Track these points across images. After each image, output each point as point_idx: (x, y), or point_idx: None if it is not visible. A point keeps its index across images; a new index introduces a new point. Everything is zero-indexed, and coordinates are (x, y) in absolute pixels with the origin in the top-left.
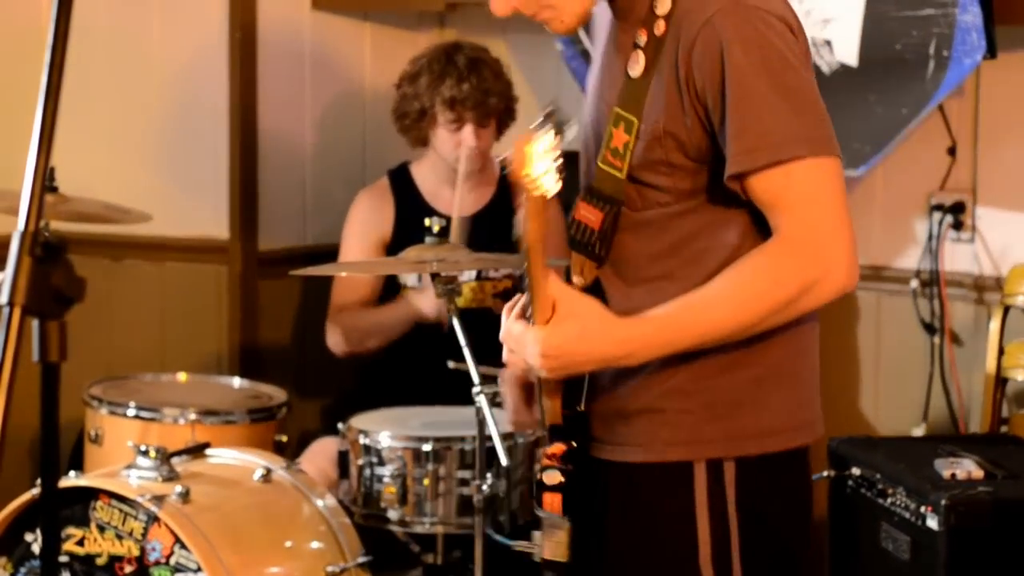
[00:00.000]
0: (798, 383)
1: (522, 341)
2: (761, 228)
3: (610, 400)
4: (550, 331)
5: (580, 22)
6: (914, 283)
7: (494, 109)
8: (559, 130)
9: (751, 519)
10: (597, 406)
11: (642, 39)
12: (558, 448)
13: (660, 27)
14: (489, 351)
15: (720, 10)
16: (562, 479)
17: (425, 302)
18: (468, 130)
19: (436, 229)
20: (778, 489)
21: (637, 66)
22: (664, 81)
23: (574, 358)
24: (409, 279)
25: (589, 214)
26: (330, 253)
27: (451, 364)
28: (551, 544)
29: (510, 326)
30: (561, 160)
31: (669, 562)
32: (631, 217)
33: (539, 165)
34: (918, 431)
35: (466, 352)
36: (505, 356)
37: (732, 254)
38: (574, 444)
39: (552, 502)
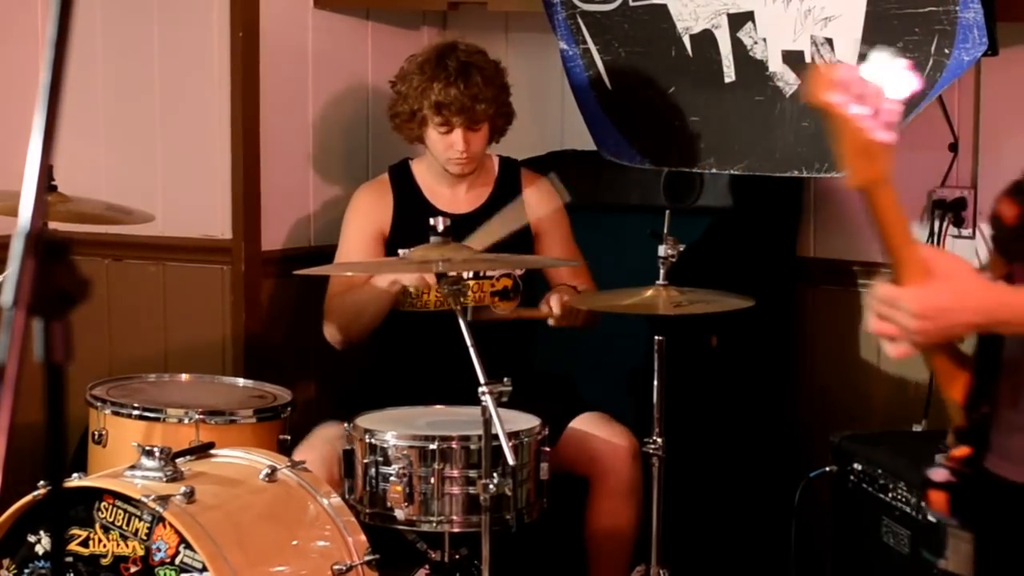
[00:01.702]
0: None
1: (896, 303)
2: None
3: (1007, 410)
4: (927, 290)
5: None
6: None
7: (483, 115)
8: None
9: None
10: (996, 413)
11: None
12: (962, 451)
13: None
14: (489, 348)
15: None
16: (951, 478)
17: (403, 272)
18: (457, 134)
19: (440, 228)
20: None
21: None
22: None
23: (949, 318)
24: (406, 278)
25: (1007, 210)
26: (333, 253)
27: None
28: (955, 557)
29: (880, 290)
30: (895, 108)
31: None
32: None
33: (850, 101)
34: (919, 428)
35: (472, 352)
36: (873, 325)
37: None
38: (979, 451)
39: (937, 500)
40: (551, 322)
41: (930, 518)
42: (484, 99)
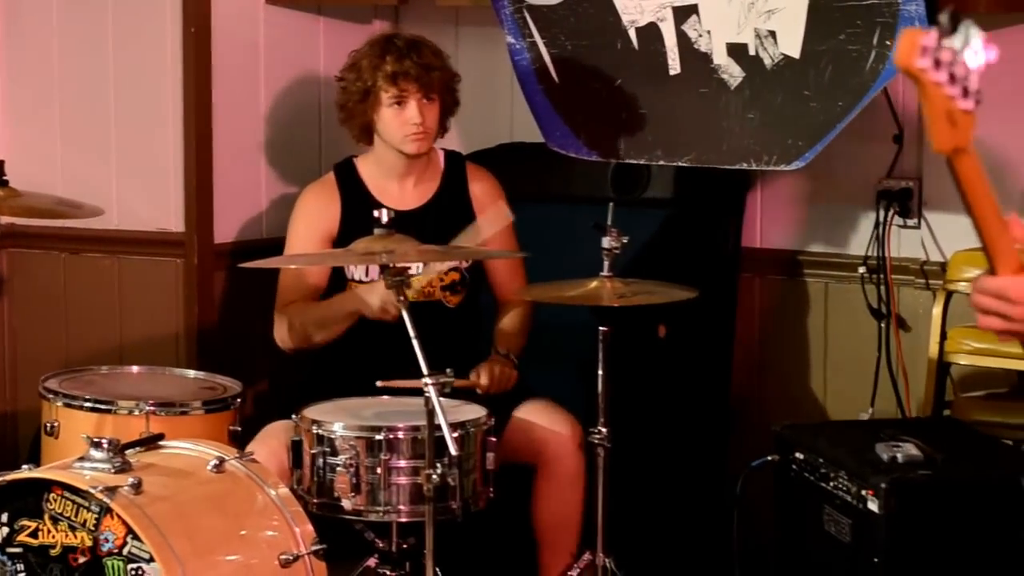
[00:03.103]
0: None
1: (1001, 293)
2: None
3: None
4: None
5: None
6: (862, 269)
7: (437, 82)
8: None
9: None
10: None
11: None
12: None
13: None
14: (437, 342)
15: None
16: None
17: (372, 296)
18: (412, 107)
19: (384, 220)
20: None
21: None
22: None
23: None
24: (356, 273)
25: None
26: (285, 245)
27: (379, 383)
28: None
29: (982, 282)
30: (976, 76)
31: None
32: None
33: (936, 68)
34: (865, 416)
35: (415, 344)
36: (979, 321)
37: None
38: None
39: None
40: (480, 391)
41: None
42: (436, 67)
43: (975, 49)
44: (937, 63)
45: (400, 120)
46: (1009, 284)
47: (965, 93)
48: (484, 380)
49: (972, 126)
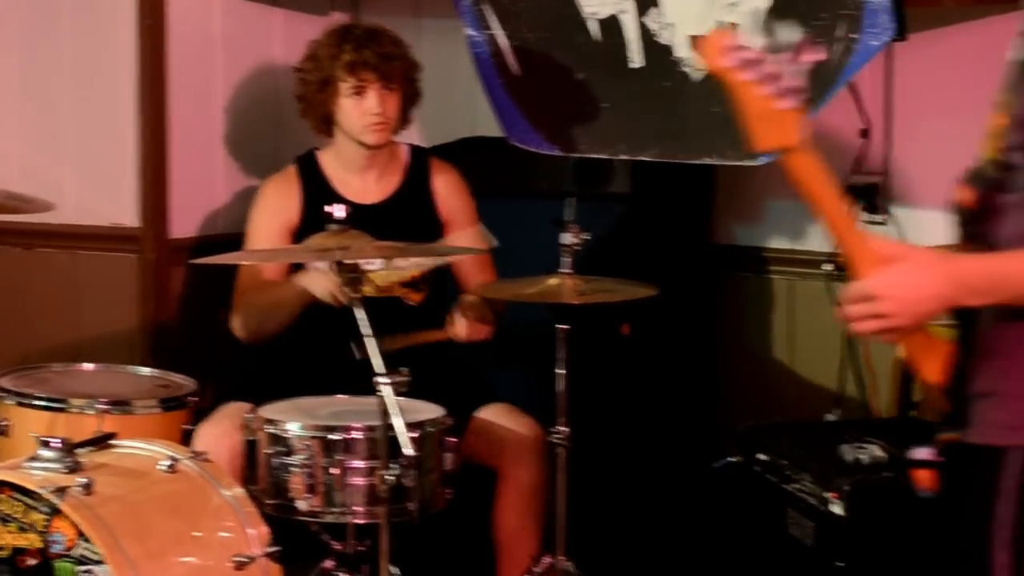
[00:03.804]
0: None
1: (859, 294)
2: None
3: (969, 383)
4: (887, 272)
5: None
6: (827, 266)
7: (397, 71)
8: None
9: None
10: (964, 388)
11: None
12: (950, 437)
13: None
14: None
15: None
16: (936, 456)
17: (315, 283)
18: (372, 95)
19: (340, 215)
20: None
21: (1015, 50)
22: None
23: (909, 293)
24: (316, 288)
25: (966, 195)
26: (242, 241)
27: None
28: None
29: (846, 290)
30: (796, 77)
31: (966, 538)
32: (999, 199)
33: (743, 67)
34: (831, 416)
35: (368, 342)
36: (856, 328)
37: None
38: (959, 436)
39: (923, 478)
40: (457, 336)
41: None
42: (395, 57)
43: (794, 49)
44: (749, 63)
45: (360, 110)
46: (869, 283)
47: (784, 92)
48: (461, 329)
49: (800, 126)
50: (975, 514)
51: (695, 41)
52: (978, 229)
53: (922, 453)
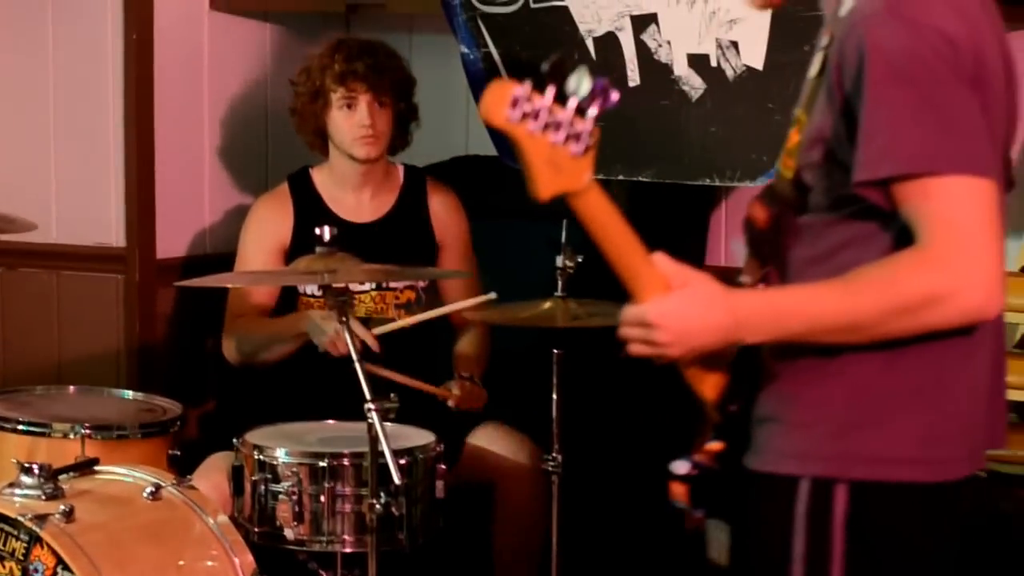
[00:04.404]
0: (931, 413)
1: (641, 319)
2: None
3: (752, 405)
4: (661, 299)
5: (767, 4)
6: None
7: (389, 85)
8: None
9: (860, 547)
10: (746, 410)
11: (825, 39)
12: (715, 446)
13: (838, 28)
14: (390, 363)
15: (872, 15)
16: (692, 471)
17: (316, 331)
18: (362, 109)
19: (327, 238)
20: (896, 523)
21: (815, 67)
22: (825, 84)
23: (686, 324)
24: (308, 287)
25: (759, 213)
26: (231, 261)
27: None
28: (714, 546)
29: (624, 313)
30: (588, 121)
31: (761, 572)
32: (793, 220)
33: (525, 117)
34: None
35: (357, 367)
36: (629, 350)
37: None
38: (729, 446)
39: (678, 491)
40: (451, 403)
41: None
42: (388, 69)
43: (585, 94)
44: (529, 115)
45: (350, 123)
46: (647, 309)
47: (570, 138)
48: (456, 391)
49: (587, 169)
50: (769, 545)
51: (707, 74)
52: (769, 249)
53: (681, 467)
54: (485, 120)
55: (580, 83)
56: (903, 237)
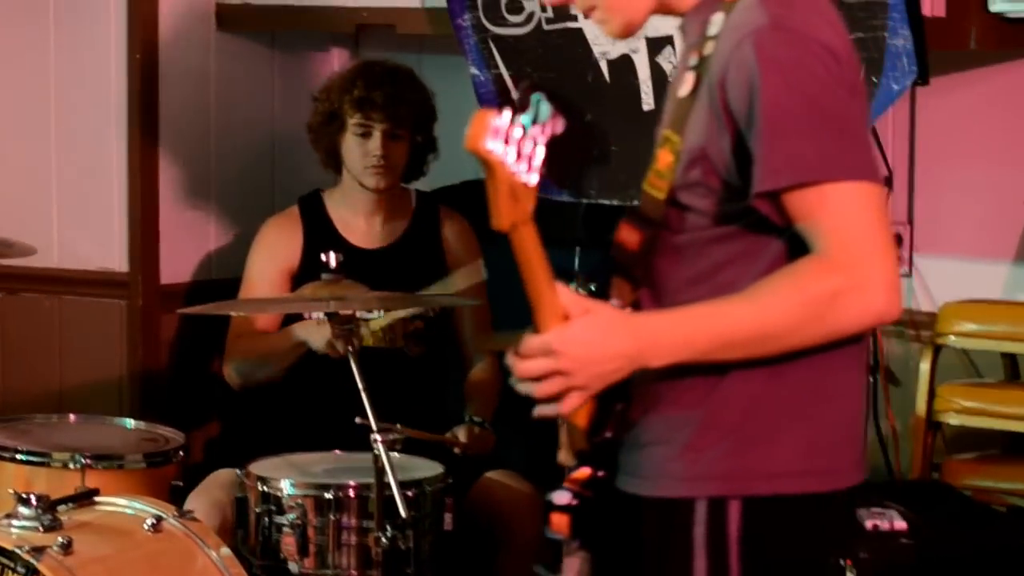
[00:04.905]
0: (816, 425)
1: (545, 348)
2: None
3: (631, 430)
4: (563, 327)
5: (627, 32)
6: None
7: (406, 117)
8: (528, 110)
9: (755, 564)
10: (622, 436)
11: (694, 60)
12: (582, 473)
13: (709, 48)
14: (398, 393)
15: (756, 30)
16: (572, 501)
17: (312, 335)
18: (376, 137)
19: (332, 264)
20: (789, 535)
21: (685, 86)
22: (704, 102)
23: (591, 351)
24: (315, 314)
25: (629, 236)
26: (237, 287)
27: (358, 420)
28: (568, 574)
29: (522, 347)
30: (541, 151)
31: None
32: (668, 240)
33: (504, 147)
34: None
35: (364, 396)
36: (537, 392)
37: None
38: (600, 472)
39: (559, 523)
40: (457, 451)
41: (548, 535)
42: (407, 101)
43: (543, 123)
44: (507, 141)
45: (362, 151)
46: (549, 337)
47: (529, 168)
48: (463, 437)
49: (533, 199)
50: (670, 572)
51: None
52: (641, 271)
53: (562, 498)
54: (469, 149)
55: (541, 110)
56: (787, 253)
